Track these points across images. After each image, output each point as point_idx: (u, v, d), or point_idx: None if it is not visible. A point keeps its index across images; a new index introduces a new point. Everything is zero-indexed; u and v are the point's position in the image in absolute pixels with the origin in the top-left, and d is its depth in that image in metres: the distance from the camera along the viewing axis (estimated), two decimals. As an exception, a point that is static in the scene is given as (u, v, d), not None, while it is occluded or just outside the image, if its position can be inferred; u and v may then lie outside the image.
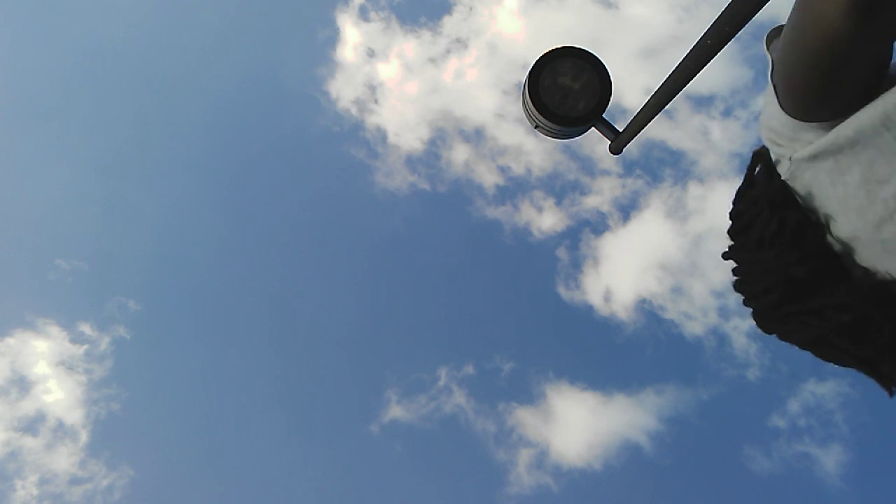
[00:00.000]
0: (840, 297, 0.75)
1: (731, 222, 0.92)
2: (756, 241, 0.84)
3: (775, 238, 0.81)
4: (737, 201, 0.91)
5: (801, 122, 0.72)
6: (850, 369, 0.80)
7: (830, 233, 0.75)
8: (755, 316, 0.89)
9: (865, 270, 0.73)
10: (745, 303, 0.90)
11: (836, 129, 0.68)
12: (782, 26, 0.81)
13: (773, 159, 0.82)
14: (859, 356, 0.76)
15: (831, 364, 0.82)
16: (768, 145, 0.82)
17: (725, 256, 0.92)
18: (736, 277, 0.91)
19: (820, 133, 0.71)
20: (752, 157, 0.89)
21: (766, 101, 0.79)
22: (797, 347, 0.85)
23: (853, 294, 0.74)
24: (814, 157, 0.72)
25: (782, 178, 0.80)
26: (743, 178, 0.91)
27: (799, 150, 0.75)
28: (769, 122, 0.79)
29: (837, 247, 0.75)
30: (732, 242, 0.92)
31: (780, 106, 0.73)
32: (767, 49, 0.81)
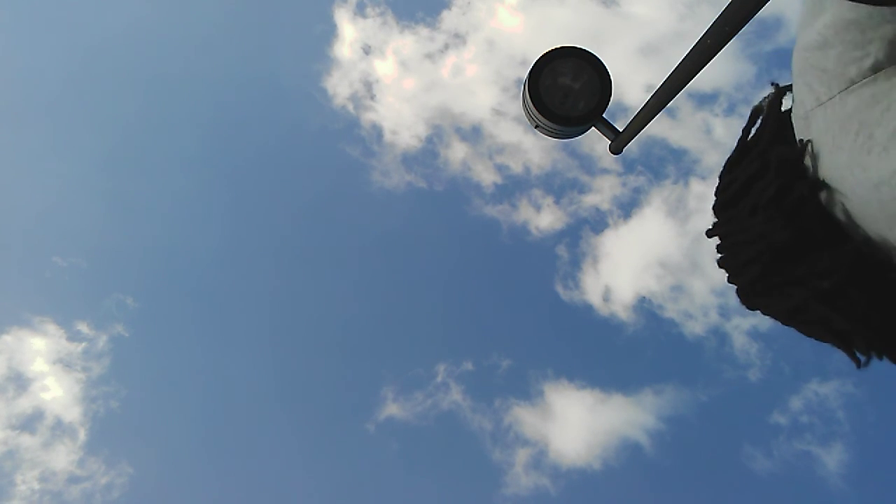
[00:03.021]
0: (822, 263, 0.70)
1: (717, 196, 0.87)
2: (749, 208, 0.78)
3: (771, 204, 0.75)
4: (726, 172, 0.85)
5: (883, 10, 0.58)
6: (834, 349, 0.75)
7: (831, 197, 0.69)
8: (738, 292, 0.85)
9: (866, 238, 0.67)
10: (729, 279, 0.86)
11: None
12: None
13: (792, 113, 0.74)
14: (833, 327, 0.73)
15: (813, 340, 0.78)
16: (810, 78, 0.70)
17: (710, 233, 0.87)
18: (720, 254, 0.87)
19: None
20: (751, 116, 0.82)
21: (812, 9, 0.66)
22: (780, 322, 0.81)
23: (836, 260, 0.69)
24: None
25: (797, 137, 0.73)
26: (736, 143, 0.84)
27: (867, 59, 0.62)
28: (815, 38, 0.65)
29: (839, 215, 0.70)
30: (718, 219, 0.87)
31: None
32: None
